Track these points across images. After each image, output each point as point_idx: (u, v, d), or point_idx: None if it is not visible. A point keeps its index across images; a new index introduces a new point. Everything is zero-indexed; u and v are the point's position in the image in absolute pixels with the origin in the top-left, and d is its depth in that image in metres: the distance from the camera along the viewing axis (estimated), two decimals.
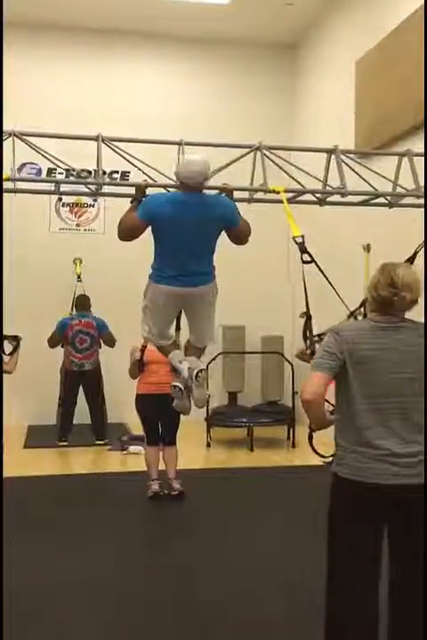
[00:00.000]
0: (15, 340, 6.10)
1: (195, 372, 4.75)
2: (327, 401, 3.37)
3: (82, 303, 9.63)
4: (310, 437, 4.03)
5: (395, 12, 8.19)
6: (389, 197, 5.89)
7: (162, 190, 5.30)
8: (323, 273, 4.82)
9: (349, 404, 3.14)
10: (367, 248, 8.09)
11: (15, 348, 6.13)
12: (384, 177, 5.93)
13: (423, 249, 5.14)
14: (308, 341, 4.64)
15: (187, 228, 4.69)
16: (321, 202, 5.81)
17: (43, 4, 10.20)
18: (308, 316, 4.74)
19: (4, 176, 4.76)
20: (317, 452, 4.09)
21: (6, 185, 4.95)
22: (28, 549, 5.38)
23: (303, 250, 4.82)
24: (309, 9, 10.40)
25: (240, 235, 5.00)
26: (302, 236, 4.83)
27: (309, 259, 4.79)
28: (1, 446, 5.72)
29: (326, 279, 4.82)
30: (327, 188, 5.75)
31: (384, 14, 8.55)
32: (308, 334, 4.67)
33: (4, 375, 6.43)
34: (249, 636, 4.09)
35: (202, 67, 11.48)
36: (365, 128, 8.70)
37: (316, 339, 4.60)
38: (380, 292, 3.15)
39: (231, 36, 11.12)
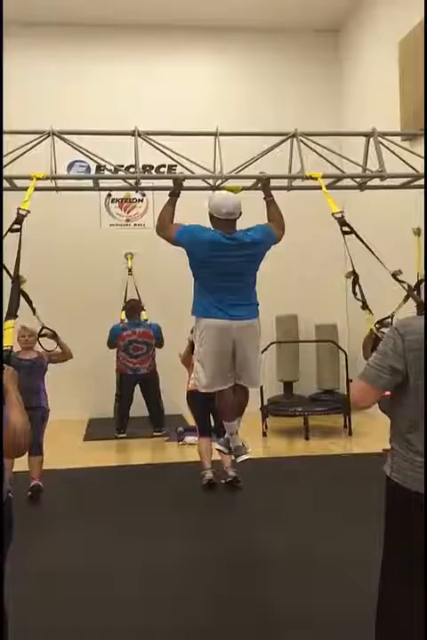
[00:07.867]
0: (54, 335, 6.02)
1: (238, 459, 5.15)
2: None
3: (133, 309, 9.50)
4: None
5: None
6: None
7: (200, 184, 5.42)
8: (364, 243, 4.89)
9: (405, 410, 2.88)
10: (418, 232, 7.96)
11: (56, 340, 6.14)
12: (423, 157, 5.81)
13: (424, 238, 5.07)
14: (360, 301, 4.66)
15: (225, 270, 4.73)
16: (361, 186, 5.77)
17: (77, 2, 10.33)
18: (355, 275, 4.74)
19: (42, 174, 4.88)
20: None
21: (46, 183, 5.06)
22: (87, 535, 5.53)
23: (343, 222, 4.90)
24: None
25: (279, 240, 5.10)
26: (342, 212, 4.91)
27: (348, 230, 4.88)
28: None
29: (369, 249, 4.87)
30: (367, 171, 5.71)
31: None
32: (358, 293, 4.67)
33: (67, 365, 6.61)
34: (305, 629, 3.94)
35: (244, 56, 11.43)
36: (410, 109, 8.51)
37: (377, 325, 4.57)
38: None
39: (273, 24, 11.06)
